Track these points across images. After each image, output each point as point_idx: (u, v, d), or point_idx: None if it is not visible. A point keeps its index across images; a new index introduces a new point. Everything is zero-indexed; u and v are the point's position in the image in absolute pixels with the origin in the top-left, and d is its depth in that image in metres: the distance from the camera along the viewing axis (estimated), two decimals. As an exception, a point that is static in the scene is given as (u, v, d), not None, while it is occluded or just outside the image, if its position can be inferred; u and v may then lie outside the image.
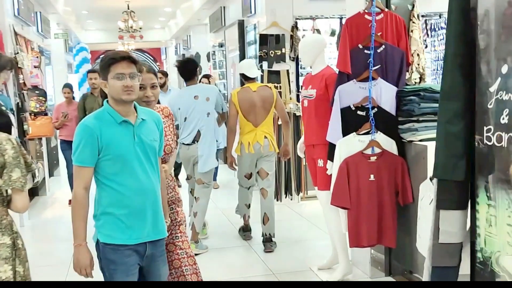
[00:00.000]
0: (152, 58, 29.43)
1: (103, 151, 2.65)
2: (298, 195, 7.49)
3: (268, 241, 5.53)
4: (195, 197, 5.66)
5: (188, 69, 5.62)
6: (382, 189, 3.96)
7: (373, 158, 3.95)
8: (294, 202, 7.47)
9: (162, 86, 7.53)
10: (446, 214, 2.69)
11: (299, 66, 7.61)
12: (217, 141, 5.68)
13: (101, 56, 21.84)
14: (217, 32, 11.95)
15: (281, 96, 7.10)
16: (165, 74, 8.03)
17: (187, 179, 5.90)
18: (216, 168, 7.57)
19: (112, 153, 2.66)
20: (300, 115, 7.03)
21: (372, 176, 3.94)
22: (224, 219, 6.75)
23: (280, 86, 7.28)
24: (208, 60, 13.46)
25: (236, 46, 9.40)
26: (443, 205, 2.69)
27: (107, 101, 2.76)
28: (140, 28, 16.54)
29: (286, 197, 7.42)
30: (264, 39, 7.42)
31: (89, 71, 7.88)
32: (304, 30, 7.73)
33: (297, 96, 7.35)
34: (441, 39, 7.11)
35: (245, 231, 6.01)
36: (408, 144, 3.95)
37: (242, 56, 9.04)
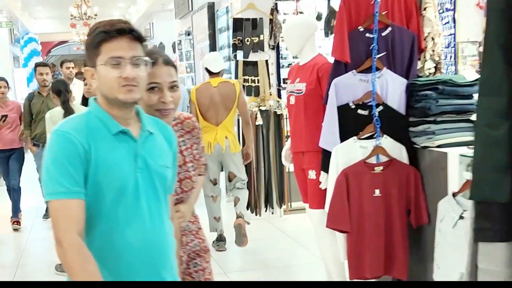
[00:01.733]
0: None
1: (89, 177, 1.92)
2: (280, 207, 7.17)
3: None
4: None
5: None
6: (390, 207, 3.70)
7: (378, 169, 3.68)
8: (275, 217, 7.15)
9: None
10: (487, 248, 2.38)
11: (280, 56, 7.36)
12: None
13: (53, 49, 21.72)
14: (183, 18, 11.74)
15: (259, 92, 6.97)
16: None
17: None
18: None
19: (102, 182, 1.93)
20: (281, 114, 6.83)
21: (377, 191, 3.70)
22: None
23: (258, 80, 7.00)
24: (174, 51, 13.40)
25: (206, 34, 9.20)
26: (483, 235, 2.37)
27: (95, 99, 2.05)
28: (96, 15, 16.57)
29: (266, 210, 7.07)
30: (238, 24, 7.09)
31: (38, 64, 7.39)
32: (285, 13, 7.56)
33: (278, 91, 7.13)
34: (445, 23, 6.86)
35: (219, 240, 6.01)
36: (422, 150, 3.67)
37: (213, 45, 8.85)
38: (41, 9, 19.66)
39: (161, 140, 2.11)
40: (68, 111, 5.14)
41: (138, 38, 1.99)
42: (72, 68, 7.64)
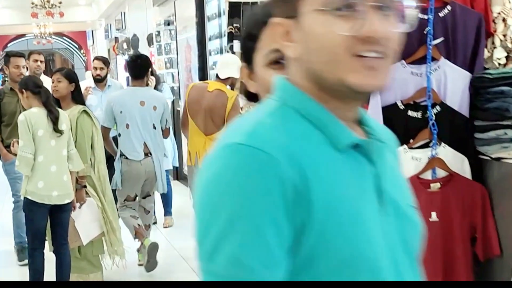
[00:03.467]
0: (75, 46, 29.00)
1: (302, 249, 1.06)
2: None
3: None
4: (148, 211, 6.08)
5: (140, 64, 5.85)
6: (451, 234, 3.44)
7: (435, 186, 3.42)
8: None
9: (102, 80, 7.08)
10: None
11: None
12: (165, 156, 6.12)
13: (9, 44, 21.42)
14: (163, 5, 11.55)
15: (260, 90, 6.64)
16: (106, 63, 7.35)
17: (130, 200, 5.88)
18: (170, 196, 7.43)
19: (331, 259, 1.07)
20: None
21: (434, 214, 3.43)
22: (183, 264, 6.04)
23: (258, 75, 6.65)
24: (150, 44, 13.19)
25: (192, 22, 9.02)
26: None
27: (286, 80, 1.19)
28: (60, 3, 16.59)
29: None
30: (235, 9, 6.93)
31: (13, 55, 6.74)
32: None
33: (283, 88, 6.72)
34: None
35: None
36: (493, 163, 3.40)
37: (201, 36, 8.66)
38: (-4, -3, 19.38)
39: (392, 156, 1.28)
40: (53, 111, 4.64)
41: None
42: (41, 62, 7.09)
